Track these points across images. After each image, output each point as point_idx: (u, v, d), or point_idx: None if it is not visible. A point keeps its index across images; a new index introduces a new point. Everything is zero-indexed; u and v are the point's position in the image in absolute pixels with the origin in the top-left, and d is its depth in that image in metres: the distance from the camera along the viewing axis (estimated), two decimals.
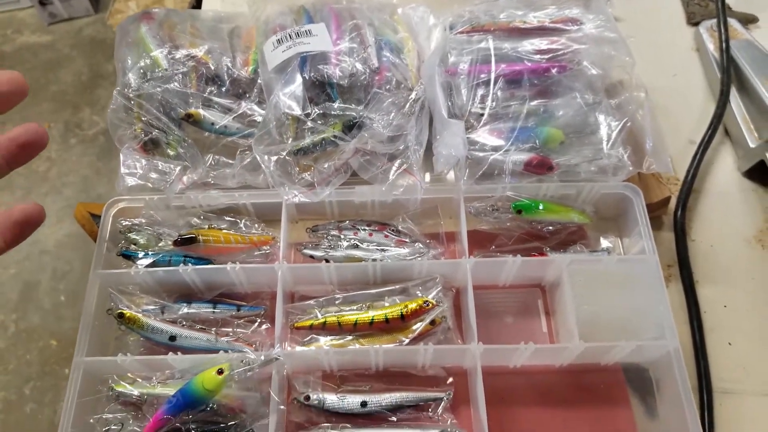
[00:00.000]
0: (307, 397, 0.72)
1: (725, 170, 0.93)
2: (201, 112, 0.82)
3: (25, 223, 0.55)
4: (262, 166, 0.78)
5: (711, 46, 1.00)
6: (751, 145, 0.90)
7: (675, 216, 0.86)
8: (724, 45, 0.97)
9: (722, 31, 0.99)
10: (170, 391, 0.69)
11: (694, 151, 0.91)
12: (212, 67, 0.85)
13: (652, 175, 0.85)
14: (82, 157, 1.01)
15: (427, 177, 0.86)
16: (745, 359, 0.78)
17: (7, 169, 0.57)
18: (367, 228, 0.82)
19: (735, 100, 0.94)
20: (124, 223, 0.80)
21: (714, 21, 1.02)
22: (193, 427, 0.69)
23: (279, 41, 0.81)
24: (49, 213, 0.94)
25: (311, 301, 0.78)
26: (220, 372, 0.67)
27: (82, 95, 1.06)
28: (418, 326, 0.74)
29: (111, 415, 0.70)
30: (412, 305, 0.73)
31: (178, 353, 0.71)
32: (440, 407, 0.73)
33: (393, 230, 0.82)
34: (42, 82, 1.08)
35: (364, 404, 0.72)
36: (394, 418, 0.72)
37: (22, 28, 1.16)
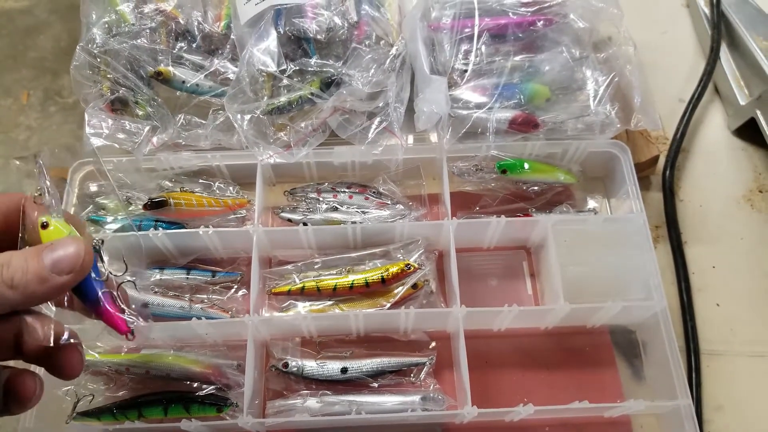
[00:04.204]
0: (286, 364, 0.70)
1: (715, 129, 0.91)
2: (171, 69, 0.78)
3: None
4: (236, 125, 0.75)
5: (701, 0, 0.97)
6: (742, 102, 0.87)
7: (663, 176, 0.84)
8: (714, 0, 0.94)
9: None
10: (139, 360, 0.67)
11: (683, 109, 0.89)
12: (182, 22, 0.80)
13: (640, 133, 0.83)
14: (63, 125, 0.96)
15: (410, 139, 0.83)
16: (732, 320, 0.77)
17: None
18: (346, 190, 0.79)
19: (725, 56, 0.92)
20: (92, 187, 0.77)
21: None
22: (167, 397, 0.66)
23: None
24: (30, 183, 0.91)
25: (289, 266, 0.75)
26: None
27: (62, 62, 1.01)
28: (400, 290, 0.72)
29: (81, 387, 0.68)
30: (394, 268, 0.71)
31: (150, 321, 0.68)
32: (422, 372, 0.71)
33: (374, 192, 0.79)
34: (20, 48, 1.02)
35: (344, 370, 0.70)
36: (375, 384, 0.70)
37: None
